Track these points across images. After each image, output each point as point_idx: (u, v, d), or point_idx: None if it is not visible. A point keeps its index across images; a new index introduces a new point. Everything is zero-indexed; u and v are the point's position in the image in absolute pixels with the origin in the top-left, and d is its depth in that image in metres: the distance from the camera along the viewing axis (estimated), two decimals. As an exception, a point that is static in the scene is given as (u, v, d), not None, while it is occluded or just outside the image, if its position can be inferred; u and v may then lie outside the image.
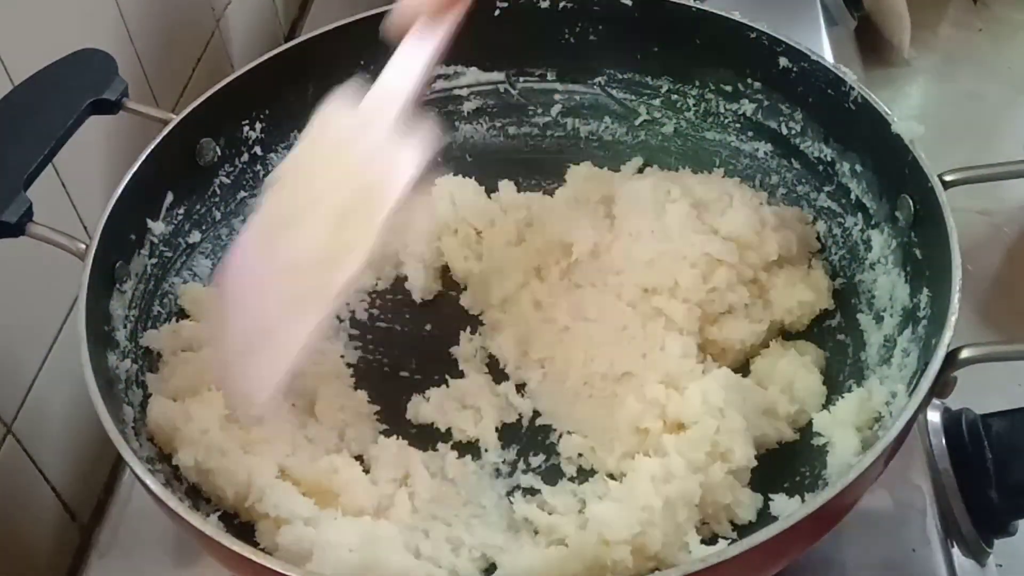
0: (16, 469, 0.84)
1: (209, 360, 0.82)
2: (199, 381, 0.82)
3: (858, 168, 0.87)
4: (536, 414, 0.86)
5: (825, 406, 0.81)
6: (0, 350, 0.83)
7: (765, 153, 0.97)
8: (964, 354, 0.67)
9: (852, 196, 0.88)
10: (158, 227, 0.87)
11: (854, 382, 0.82)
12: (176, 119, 0.86)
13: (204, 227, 0.93)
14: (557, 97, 1.05)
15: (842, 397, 0.79)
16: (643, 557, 0.71)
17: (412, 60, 0.76)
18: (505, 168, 1.03)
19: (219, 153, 0.93)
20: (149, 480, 0.66)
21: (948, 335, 0.67)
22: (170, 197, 0.88)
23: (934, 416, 0.90)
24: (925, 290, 0.77)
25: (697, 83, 1.00)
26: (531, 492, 0.81)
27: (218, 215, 0.95)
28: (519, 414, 0.86)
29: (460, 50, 1.02)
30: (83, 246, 0.76)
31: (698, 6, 0.95)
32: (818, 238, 0.92)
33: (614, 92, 1.04)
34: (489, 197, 1.01)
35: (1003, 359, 0.69)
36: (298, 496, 0.76)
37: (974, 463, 0.85)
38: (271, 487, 0.75)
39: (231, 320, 0.71)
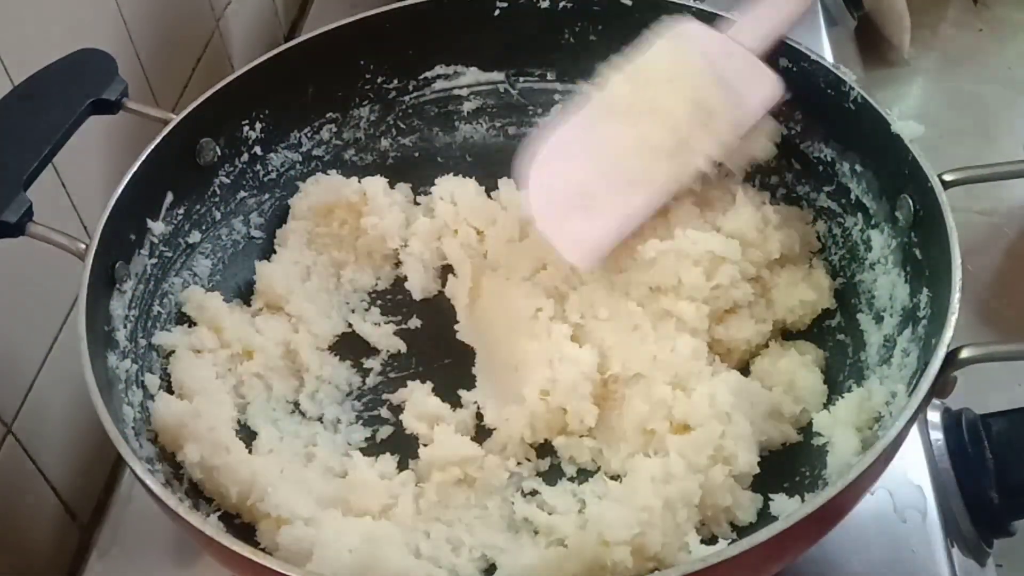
0: (16, 469, 0.84)
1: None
2: (208, 380, 0.83)
3: (858, 168, 0.87)
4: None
5: (825, 406, 0.81)
6: (0, 350, 0.83)
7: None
8: (964, 354, 0.67)
9: (852, 196, 0.88)
10: (158, 227, 0.87)
11: (854, 382, 0.82)
12: (176, 119, 0.87)
13: (204, 227, 0.93)
14: (557, 97, 1.05)
15: (842, 397, 0.80)
16: (643, 557, 0.71)
17: (789, 4, 0.84)
18: (505, 168, 1.03)
19: (219, 153, 0.93)
20: (149, 480, 0.66)
21: (948, 335, 0.67)
22: (170, 197, 0.88)
23: (934, 416, 0.90)
24: (925, 290, 0.77)
25: (697, 83, 0.99)
26: (531, 492, 0.81)
27: (218, 215, 0.95)
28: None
29: (460, 50, 1.03)
30: (83, 246, 0.76)
31: (698, 6, 0.95)
32: (818, 238, 0.92)
33: (614, 92, 1.04)
34: (489, 197, 1.01)
35: (1003, 359, 0.69)
36: (301, 495, 0.76)
37: (974, 463, 0.85)
38: (274, 486, 0.75)
39: (555, 185, 0.81)
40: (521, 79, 1.05)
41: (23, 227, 0.75)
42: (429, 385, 0.88)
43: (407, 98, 1.04)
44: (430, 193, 1.02)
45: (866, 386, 0.80)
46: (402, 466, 0.83)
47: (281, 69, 0.95)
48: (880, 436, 0.64)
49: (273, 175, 0.99)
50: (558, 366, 0.83)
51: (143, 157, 0.84)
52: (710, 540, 0.74)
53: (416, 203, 1.03)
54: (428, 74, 1.04)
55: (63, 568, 0.89)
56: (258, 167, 0.98)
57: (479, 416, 0.86)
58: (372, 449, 0.85)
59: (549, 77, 1.05)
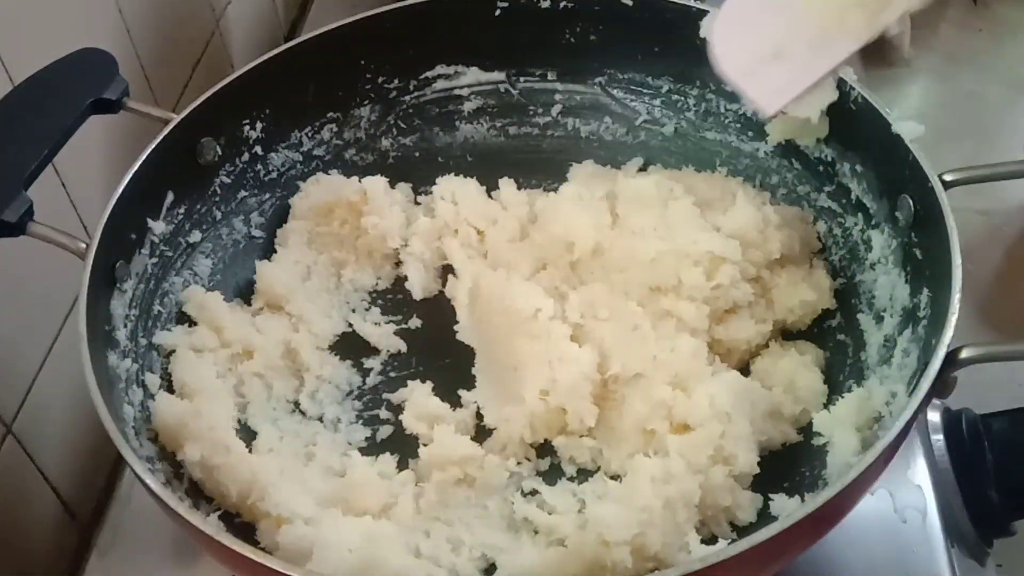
0: (16, 469, 0.84)
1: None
2: (208, 380, 0.83)
3: (858, 168, 0.87)
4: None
5: (825, 406, 0.81)
6: (0, 350, 0.83)
7: (765, 153, 0.97)
8: (964, 354, 0.67)
9: (852, 196, 0.88)
10: (159, 226, 0.87)
11: (854, 382, 0.82)
12: (177, 118, 0.87)
13: (204, 226, 0.93)
14: (558, 97, 1.05)
15: (842, 397, 0.80)
16: (642, 557, 0.71)
17: None
18: (506, 168, 1.03)
19: (219, 152, 0.93)
20: (149, 479, 0.66)
21: (948, 335, 0.67)
22: (170, 196, 0.88)
23: (934, 416, 0.90)
24: (925, 290, 0.77)
25: (698, 83, 1.00)
26: (531, 492, 0.81)
27: (219, 214, 0.95)
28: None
29: (461, 50, 1.03)
30: (83, 245, 0.76)
31: (698, 6, 0.95)
32: (818, 238, 0.92)
33: (614, 92, 1.04)
34: (490, 197, 1.01)
35: (1003, 359, 0.69)
36: (301, 495, 0.76)
37: (974, 463, 0.85)
38: (274, 485, 0.75)
39: (743, 34, 0.81)
40: (522, 79, 1.05)
41: (23, 226, 0.75)
42: (429, 385, 0.88)
43: (408, 98, 1.04)
44: (431, 193, 1.02)
45: (866, 386, 0.80)
46: (402, 466, 0.83)
47: (281, 69, 0.95)
48: (880, 436, 0.64)
49: (274, 175, 0.99)
50: (558, 366, 0.83)
51: (144, 156, 0.84)
52: (710, 540, 0.74)
53: (417, 203, 1.03)
54: (429, 74, 1.04)
55: (63, 568, 0.89)
56: (259, 167, 0.98)
57: (479, 416, 0.86)
58: (372, 449, 0.85)
59: (550, 77, 1.05)
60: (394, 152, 1.06)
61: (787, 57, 0.79)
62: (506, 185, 1.01)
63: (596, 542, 0.71)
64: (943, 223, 0.73)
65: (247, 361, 0.88)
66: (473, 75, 1.04)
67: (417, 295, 0.97)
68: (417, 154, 1.06)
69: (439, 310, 0.96)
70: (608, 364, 0.84)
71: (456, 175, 1.03)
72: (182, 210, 0.90)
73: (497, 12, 1.00)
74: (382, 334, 0.94)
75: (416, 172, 1.04)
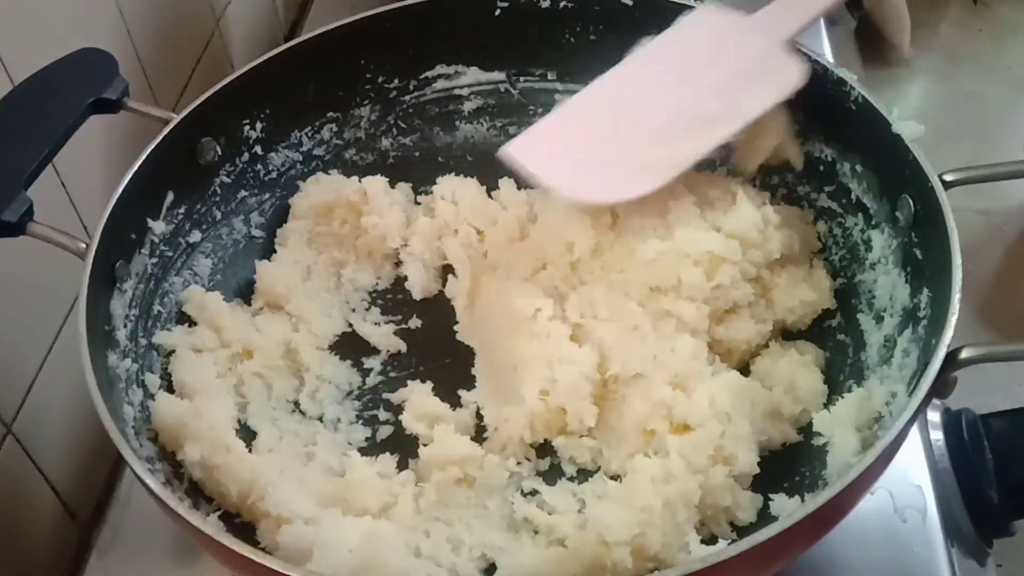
0: (16, 469, 0.84)
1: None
2: (208, 379, 0.83)
3: (858, 168, 0.87)
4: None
5: (825, 406, 0.81)
6: (0, 350, 0.83)
7: (765, 153, 0.97)
8: (964, 354, 0.67)
9: (852, 196, 0.88)
10: (159, 226, 0.87)
11: (854, 382, 0.82)
12: (177, 118, 0.87)
13: (205, 226, 0.93)
14: (558, 97, 1.05)
15: (842, 397, 0.79)
16: (642, 558, 0.71)
17: None
18: (506, 168, 1.03)
19: (219, 152, 0.93)
20: (149, 479, 0.66)
21: (948, 335, 0.67)
22: (171, 196, 0.88)
23: (934, 416, 0.90)
24: (925, 290, 0.77)
25: (697, 83, 1.00)
26: (531, 492, 0.81)
27: (219, 214, 0.95)
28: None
29: (461, 50, 1.03)
30: (83, 245, 0.76)
31: (698, 6, 0.95)
32: (818, 238, 0.92)
33: (614, 92, 1.04)
34: (490, 197, 1.01)
35: (1003, 359, 0.69)
36: (301, 495, 0.76)
37: (974, 463, 0.85)
38: (274, 485, 0.75)
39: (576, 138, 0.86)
40: (522, 79, 1.05)
41: (23, 226, 0.75)
42: (429, 385, 0.88)
43: (408, 98, 1.04)
44: (431, 193, 1.02)
45: (866, 386, 0.80)
46: (402, 466, 0.83)
47: (281, 69, 0.95)
48: (880, 436, 0.64)
49: (274, 174, 0.99)
50: (558, 366, 0.83)
51: (144, 156, 0.84)
52: (710, 540, 0.74)
53: (417, 203, 1.03)
54: (429, 74, 1.04)
55: (63, 568, 0.89)
56: (259, 166, 0.98)
57: (479, 416, 0.86)
58: (372, 449, 0.85)
59: (550, 77, 1.05)
60: (394, 152, 1.06)
61: (593, 168, 0.84)
62: (506, 185, 1.01)
63: (596, 542, 0.71)
64: (943, 223, 0.73)
65: (247, 361, 0.88)
66: (473, 75, 1.04)
67: (417, 295, 0.97)
68: (417, 154, 1.06)
69: (439, 310, 0.96)
70: (608, 364, 0.84)
71: (456, 175, 1.03)
72: (182, 210, 0.90)
73: (497, 12, 1.00)
74: (382, 334, 0.94)
75: (416, 172, 1.04)
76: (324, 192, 0.98)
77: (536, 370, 0.84)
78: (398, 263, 0.99)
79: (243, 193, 0.97)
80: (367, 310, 0.96)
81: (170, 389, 0.83)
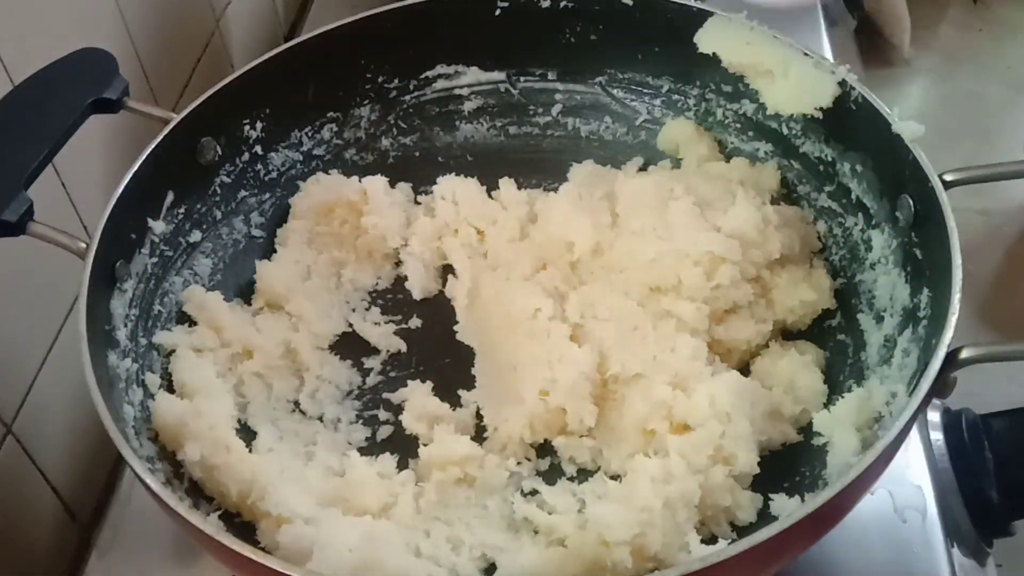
0: (16, 469, 0.84)
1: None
2: (208, 379, 0.83)
3: (858, 168, 0.88)
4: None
5: (825, 406, 0.81)
6: (0, 350, 0.83)
7: (765, 153, 0.97)
8: (964, 354, 0.67)
9: (852, 196, 0.88)
10: (159, 226, 0.87)
11: (854, 382, 0.82)
12: (177, 118, 0.87)
13: (205, 226, 0.93)
14: (558, 97, 1.05)
15: (842, 397, 0.79)
16: (643, 557, 0.71)
17: None
18: (506, 168, 1.03)
19: (220, 152, 0.93)
20: (149, 479, 0.66)
21: (948, 335, 0.67)
22: (171, 196, 0.88)
23: (934, 416, 0.90)
24: (925, 290, 0.77)
25: (698, 83, 1.00)
26: (531, 492, 0.81)
27: (219, 214, 0.95)
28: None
29: (461, 50, 1.03)
30: (84, 245, 0.76)
31: (698, 6, 0.95)
32: (818, 238, 0.92)
33: (614, 92, 1.04)
34: (490, 197, 1.01)
35: (1003, 359, 0.69)
36: (301, 495, 0.76)
37: (974, 463, 0.85)
38: (274, 485, 0.75)
39: None
40: (522, 79, 1.05)
41: (24, 226, 0.75)
42: (429, 385, 0.88)
43: (408, 97, 1.04)
44: (431, 192, 1.02)
45: (866, 386, 0.79)
46: (402, 465, 0.83)
47: (281, 69, 0.95)
48: (880, 436, 0.64)
49: (274, 174, 0.99)
50: (558, 366, 0.83)
51: (144, 156, 0.84)
52: (710, 540, 0.74)
53: (417, 202, 1.03)
54: (429, 73, 1.04)
55: (63, 568, 0.89)
56: (259, 166, 0.98)
57: (479, 416, 0.86)
58: (372, 448, 0.85)
59: (550, 77, 1.05)
60: (394, 152, 1.06)
61: None
62: (506, 185, 1.01)
63: (596, 542, 0.71)
64: (943, 223, 0.73)
65: (247, 361, 0.88)
66: (473, 75, 1.04)
67: (417, 295, 0.97)
68: (417, 154, 1.06)
69: (439, 310, 0.96)
70: (608, 364, 0.84)
71: (456, 175, 1.03)
72: (182, 210, 0.90)
73: (497, 12, 1.00)
74: (382, 334, 0.94)
75: (416, 172, 1.04)
76: (324, 192, 0.98)
77: (536, 370, 0.84)
78: (398, 263, 0.99)
79: (243, 193, 0.97)
80: (367, 310, 0.96)
81: (170, 389, 0.83)
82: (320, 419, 0.87)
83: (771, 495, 0.76)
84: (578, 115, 1.06)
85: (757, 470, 0.77)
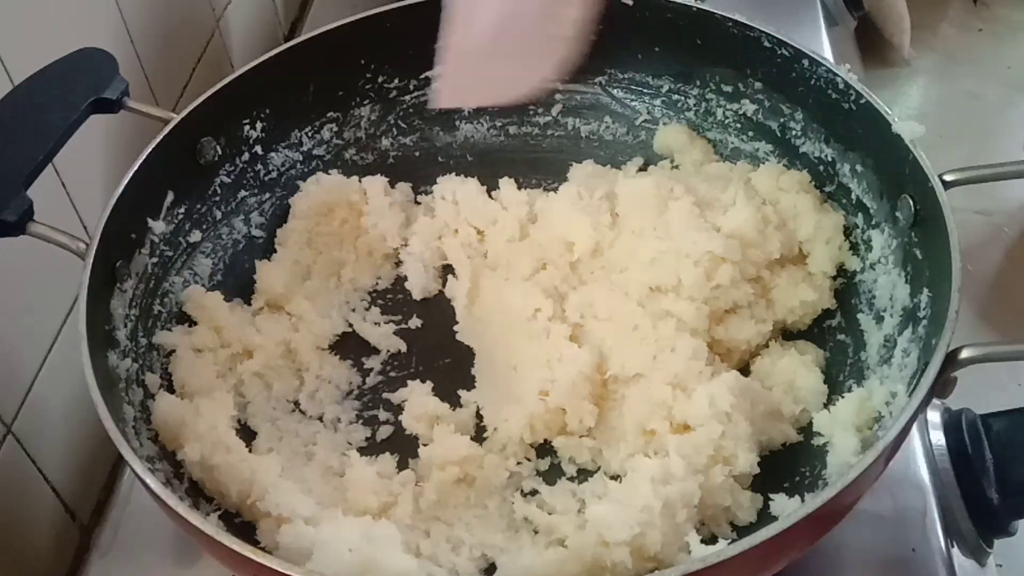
0: (16, 469, 0.84)
1: None
2: (208, 379, 0.83)
3: (859, 168, 0.88)
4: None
5: (825, 406, 0.81)
6: (0, 350, 0.83)
7: (765, 153, 0.97)
8: (964, 354, 0.67)
9: (852, 196, 0.88)
10: (159, 226, 0.87)
11: (854, 382, 0.82)
12: (177, 118, 0.87)
13: (205, 226, 0.93)
14: (558, 97, 1.05)
15: (842, 397, 0.79)
16: (642, 557, 0.71)
17: None
18: (506, 168, 1.03)
19: (219, 152, 0.93)
20: (149, 479, 0.66)
21: (948, 335, 0.67)
22: (171, 196, 0.88)
23: (934, 416, 0.90)
24: (925, 290, 0.77)
25: (698, 83, 1.00)
26: (531, 492, 0.81)
27: (219, 214, 0.95)
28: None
29: (460, 50, 1.03)
30: (84, 245, 0.76)
31: (699, 6, 0.95)
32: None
33: (614, 92, 1.04)
34: (490, 197, 1.01)
35: (1003, 359, 0.69)
36: (301, 495, 0.76)
37: (974, 463, 0.85)
38: (274, 485, 0.75)
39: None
40: (521, 79, 1.05)
41: (24, 226, 0.75)
42: (429, 385, 0.88)
43: (408, 97, 1.04)
44: (431, 192, 1.02)
45: (866, 386, 0.80)
46: (402, 466, 0.83)
47: (281, 69, 0.95)
48: (880, 436, 0.64)
49: (274, 174, 0.99)
50: (557, 366, 0.84)
51: (144, 156, 0.84)
52: (710, 540, 0.74)
53: (417, 202, 1.03)
54: (429, 73, 1.04)
55: (63, 568, 0.89)
56: (259, 166, 0.98)
57: (479, 416, 0.86)
58: (372, 448, 0.85)
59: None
60: (394, 152, 1.06)
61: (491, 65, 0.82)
62: (506, 185, 1.01)
63: (596, 542, 0.71)
64: (943, 223, 0.73)
65: (247, 361, 0.88)
66: (473, 75, 1.04)
67: (417, 295, 0.97)
68: (417, 154, 1.06)
69: (439, 310, 0.96)
70: (607, 364, 0.85)
71: (456, 175, 1.03)
72: (182, 210, 0.90)
73: (497, 12, 1.00)
74: (382, 334, 0.94)
75: (416, 172, 1.04)
76: (324, 192, 0.98)
77: (536, 370, 0.84)
78: (398, 263, 0.99)
79: (243, 193, 0.97)
80: (367, 310, 0.96)
81: (170, 389, 0.83)
82: (320, 419, 0.88)
83: (771, 495, 0.76)
84: (578, 115, 1.06)
85: (757, 470, 0.77)
